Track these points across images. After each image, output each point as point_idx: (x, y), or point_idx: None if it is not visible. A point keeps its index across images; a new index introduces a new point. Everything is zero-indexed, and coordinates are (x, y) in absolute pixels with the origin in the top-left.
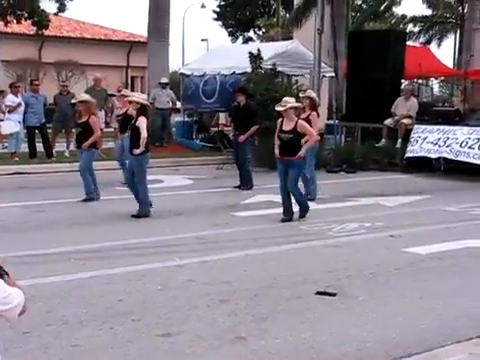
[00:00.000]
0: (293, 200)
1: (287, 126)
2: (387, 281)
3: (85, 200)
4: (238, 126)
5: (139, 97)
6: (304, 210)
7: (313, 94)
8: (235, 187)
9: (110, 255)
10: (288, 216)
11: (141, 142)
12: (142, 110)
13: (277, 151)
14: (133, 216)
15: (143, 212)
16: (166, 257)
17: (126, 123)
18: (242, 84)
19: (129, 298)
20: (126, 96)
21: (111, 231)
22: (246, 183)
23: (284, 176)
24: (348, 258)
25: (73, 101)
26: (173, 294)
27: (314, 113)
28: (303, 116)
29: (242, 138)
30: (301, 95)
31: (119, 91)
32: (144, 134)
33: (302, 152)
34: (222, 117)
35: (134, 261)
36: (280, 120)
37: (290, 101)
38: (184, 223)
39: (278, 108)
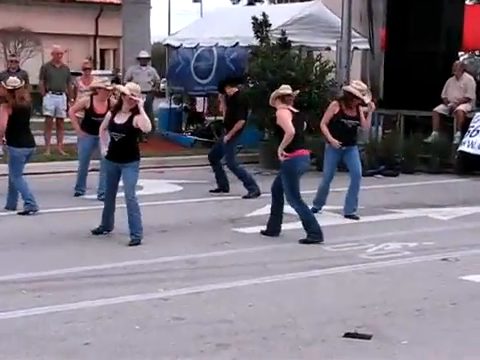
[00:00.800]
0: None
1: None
2: (439, 320)
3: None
4: (226, 121)
5: (132, 88)
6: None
7: (351, 88)
8: (211, 191)
9: (74, 285)
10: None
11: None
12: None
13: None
14: (131, 244)
15: (138, 237)
16: (146, 287)
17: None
18: (246, 59)
19: (98, 341)
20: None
21: (75, 253)
22: (251, 188)
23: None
24: (387, 289)
25: None
26: (156, 336)
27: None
28: (352, 114)
29: (227, 138)
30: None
31: (85, 69)
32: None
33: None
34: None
35: (105, 293)
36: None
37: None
38: (170, 243)
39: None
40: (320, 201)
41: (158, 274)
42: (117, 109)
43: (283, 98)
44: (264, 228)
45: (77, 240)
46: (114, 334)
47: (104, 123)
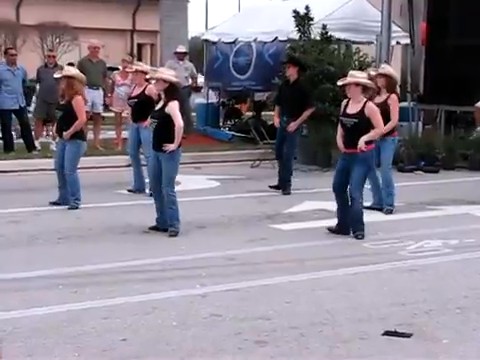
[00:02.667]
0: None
1: (352, 108)
2: None
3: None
4: (287, 110)
5: (167, 73)
6: (356, 225)
7: (390, 70)
8: (271, 187)
9: (110, 280)
10: (342, 230)
11: (176, 135)
12: (172, 91)
13: (340, 141)
14: (170, 235)
15: (176, 229)
16: (184, 283)
17: (143, 108)
18: (287, 53)
19: (135, 337)
20: (144, 72)
21: (111, 249)
22: (284, 185)
23: (342, 174)
24: (428, 287)
25: (56, 76)
26: (193, 332)
27: (393, 96)
28: (378, 100)
29: (293, 126)
30: (372, 72)
31: (126, 62)
32: (179, 124)
33: (361, 144)
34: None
35: (142, 288)
36: (345, 101)
37: (357, 75)
38: (208, 239)
39: (340, 82)
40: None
41: (196, 270)
42: (160, 97)
43: (365, 89)
44: (306, 225)
45: (114, 235)
46: (151, 330)
47: None
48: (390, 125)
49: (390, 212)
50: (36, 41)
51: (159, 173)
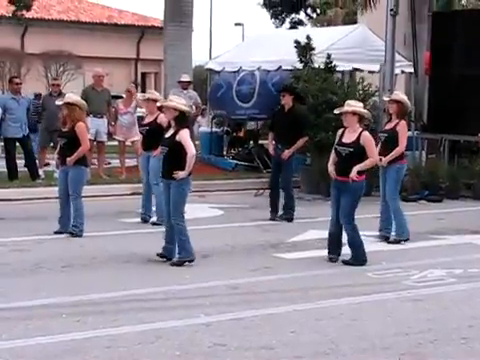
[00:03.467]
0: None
1: (348, 138)
2: None
3: (68, 233)
4: (282, 137)
5: (178, 102)
6: (356, 257)
7: (402, 96)
8: (271, 219)
9: (114, 309)
10: (334, 255)
11: (188, 163)
12: (182, 120)
13: (331, 168)
14: (172, 264)
15: (181, 258)
16: (188, 313)
17: (154, 136)
18: (289, 82)
19: None
20: (155, 100)
21: (115, 278)
22: (287, 212)
23: (338, 202)
24: (432, 316)
25: (58, 103)
26: None
27: (402, 123)
28: (388, 127)
29: (287, 154)
30: (385, 98)
31: (129, 91)
32: (192, 152)
33: (353, 173)
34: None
35: (146, 318)
36: (341, 130)
37: (354, 104)
38: (212, 268)
39: (336, 111)
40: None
41: (199, 299)
42: (169, 124)
43: (361, 119)
44: (310, 254)
45: (118, 264)
46: None
47: None
48: (396, 151)
49: (398, 242)
50: (40, 70)
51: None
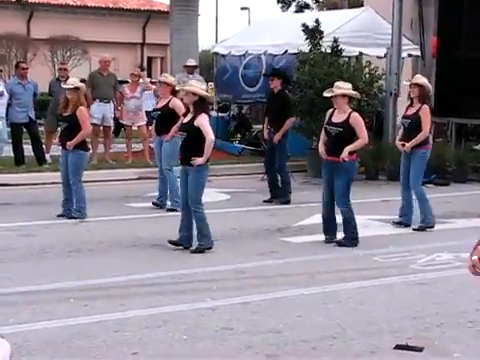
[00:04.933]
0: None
1: (337, 118)
2: None
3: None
4: (273, 121)
5: (197, 86)
6: (348, 237)
7: (423, 80)
8: (265, 201)
9: (121, 293)
10: (330, 236)
11: (206, 149)
12: (201, 105)
13: (322, 149)
14: (192, 251)
15: (201, 246)
16: (195, 297)
17: (166, 121)
18: (296, 66)
19: (146, 350)
20: (169, 84)
21: (122, 262)
22: (284, 194)
23: (330, 184)
24: (439, 300)
25: (65, 86)
26: (204, 346)
27: (424, 107)
28: (410, 112)
29: (277, 137)
30: (406, 83)
31: (135, 76)
32: (211, 138)
33: (344, 154)
34: None
35: (153, 302)
36: (330, 111)
37: (342, 86)
38: (218, 252)
39: (327, 94)
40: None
41: (206, 283)
42: (188, 109)
43: (351, 100)
44: (316, 238)
45: (125, 249)
46: (162, 344)
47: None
48: (420, 136)
49: (424, 229)
50: (47, 55)
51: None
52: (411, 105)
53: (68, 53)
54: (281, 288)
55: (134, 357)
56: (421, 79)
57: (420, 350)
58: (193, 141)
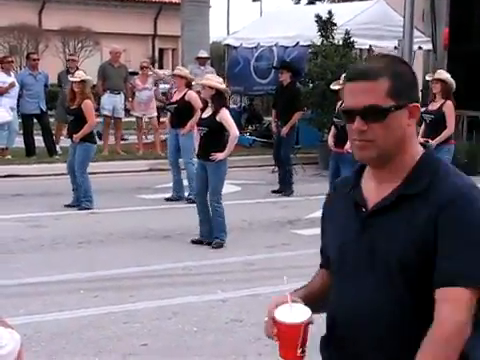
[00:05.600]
0: None
1: None
2: None
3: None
4: (281, 114)
5: (215, 80)
6: None
7: (446, 75)
8: (274, 192)
9: (132, 285)
10: None
11: (229, 144)
12: (221, 98)
13: (331, 140)
14: (213, 246)
15: (221, 240)
16: (205, 289)
17: (182, 114)
18: (308, 57)
19: (155, 342)
20: (183, 76)
21: (132, 254)
22: (288, 187)
23: (335, 176)
24: None
25: (72, 79)
26: (214, 338)
27: (448, 103)
28: (433, 107)
29: (285, 130)
30: (428, 78)
31: (142, 68)
32: (235, 133)
33: (348, 145)
34: None
35: (163, 293)
36: (339, 103)
37: None
38: (229, 244)
39: (333, 86)
40: None
41: (216, 275)
42: (206, 104)
43: None
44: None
45: (135, 240)
46: (172, 335)
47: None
48: (446, 133)
49: None
50: (58, 46)
51: (206, 184)
52: (434, 100)
53: (79, 44)
54: (292, 280)
55: (143, 348)
56: (443, 74)
57: None
58: (214, 136)
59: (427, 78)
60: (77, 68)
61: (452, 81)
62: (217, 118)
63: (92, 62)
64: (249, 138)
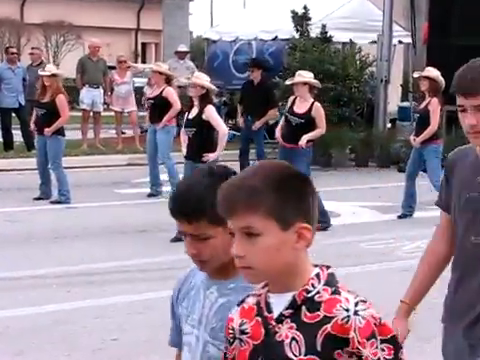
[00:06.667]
0: None
1: (299, 107)
2: None
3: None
4: (252, 110)
5: (203, 79)
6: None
7: (435, 72)
8: None
9: (104, 280)
10: None
11: (220, 143)
12: (207, 97)
13: (279, 134)
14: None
15: None
16: None
17: (159, 109)
18: (287, 51)
19: (126, 337)
20: (162, 72)
21: (107, 249)
22: None
23: None
24: None
25: (42, 73)
26: None
27: (434, 100)
28: (421, 106)
29: (258, 124)
30: (416, 75)
31: (120, 62)
32: (224, 130)
33: (302, 141)
34: None
35: (135, 288)
36: (292, 98)
37: (304, 75)
38: None
39: (288, 81)
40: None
41: None
42: (192, 103)
43: (312, 88)
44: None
45: (110, 235)
46: (142, 330)
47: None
48: (429, 131)
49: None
50: (40, 40)
51: None
52: (423, 98)
53: (62, 38)
54: None
55: (114, 343)
56: (432, 72)
57: None
58: (203, 135)
59: (415, 75)
60: (41, 61)
61: (441, 79)
62: (203, 117)
63: (75, 56)
64: (229, 133)
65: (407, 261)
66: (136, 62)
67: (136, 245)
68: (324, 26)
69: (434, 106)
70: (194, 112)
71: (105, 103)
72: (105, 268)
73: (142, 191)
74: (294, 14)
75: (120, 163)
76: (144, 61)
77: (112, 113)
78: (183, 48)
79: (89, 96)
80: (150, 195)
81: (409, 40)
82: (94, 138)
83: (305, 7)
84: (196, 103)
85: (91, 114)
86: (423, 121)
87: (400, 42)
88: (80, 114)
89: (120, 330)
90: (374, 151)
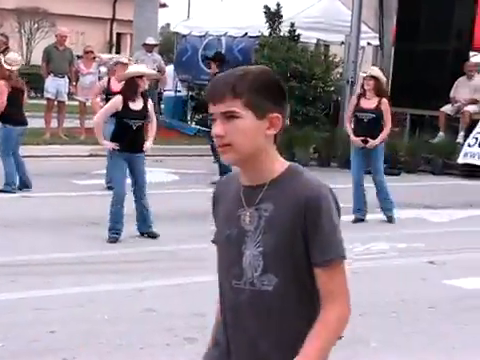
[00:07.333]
0: None
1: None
2: (414, 323)
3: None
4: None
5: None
6: None
7: (378, 72)
8: (214, 183)
9: (50, 271)
10: None
11: (155, 130)
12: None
13: None
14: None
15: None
16: (124, 277)
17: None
18: (255, 48)
19: (64, 329)
20: (126, 64)
21: (58, 239)
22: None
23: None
24: (366, 289)
25: None
26: (124, 327)
27: (384, 101)
28: (369, 105)
29: None
30: (362, 74)
31: (86, 53)
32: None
33: None
34: None
35: (81, 281)
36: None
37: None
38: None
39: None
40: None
41: (139, 264)
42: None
43: None
44: None
45: (62, 226)
46: (82, 323)
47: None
48: (385, 133)
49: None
50: (14, 26)
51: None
52: (364, 97)
53: (36, 25)
54: (212, 271)
55: (51, 336)
56: (377, 72)
57: (339, 338)
58: (145, 127)
59: (361, 74)
60: (7, 48)
61: (384, 79)
62: (149, 108)
63: (48, 43)
64: (194, 127)
65: (356, 263)
66: (110, 52)
67: (87, 237)
68: (293, 24)
69: (387, 106)
70: (139, 104)
71: (70, 93)
72: (53, 259)
73: (101, 182)
74: (267, 10)
75: (82, 154)
76: (118, 51)
77: (76, 103)
78: (151, 41)
79: (54, 85)
80: (109, 188)
81: (377, 42)
82: (57, 127)
83: (278, 4)
84: (138, 95)
85: (55, 103)
86: (376, 121)
87: (369, 44)
88: (45, 102)
89: (59, 322)
90: (337, 151)
